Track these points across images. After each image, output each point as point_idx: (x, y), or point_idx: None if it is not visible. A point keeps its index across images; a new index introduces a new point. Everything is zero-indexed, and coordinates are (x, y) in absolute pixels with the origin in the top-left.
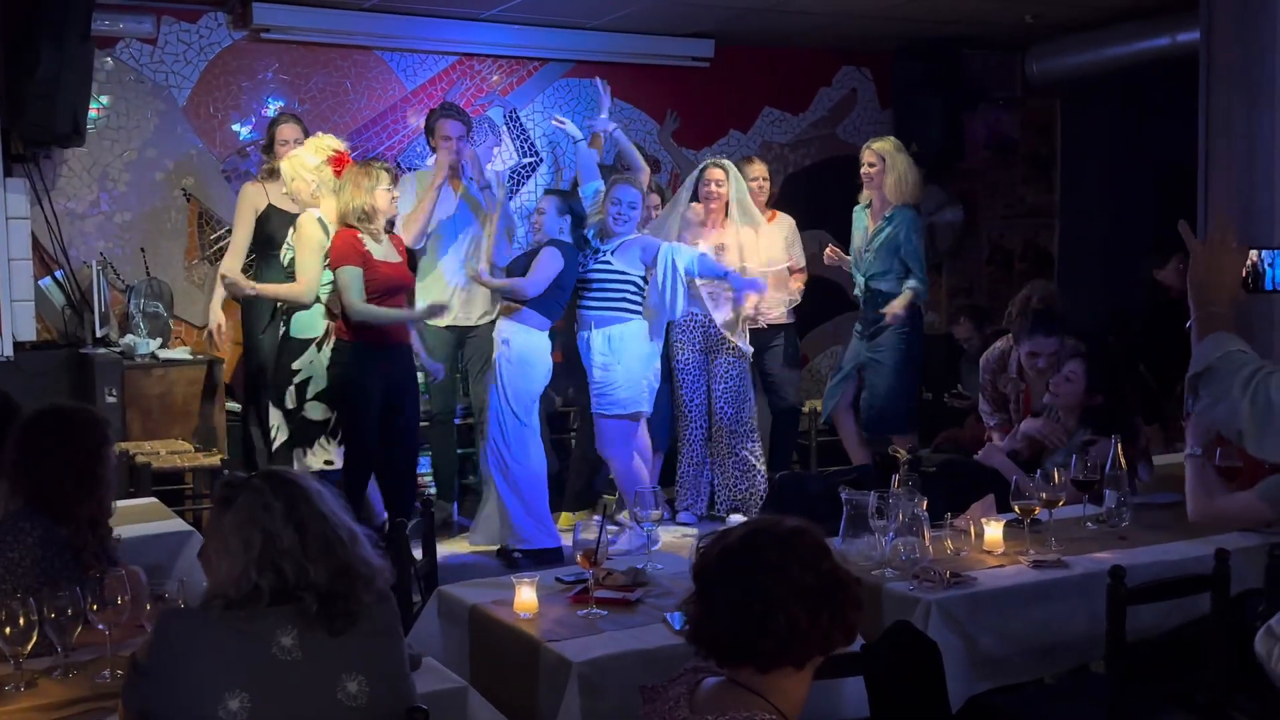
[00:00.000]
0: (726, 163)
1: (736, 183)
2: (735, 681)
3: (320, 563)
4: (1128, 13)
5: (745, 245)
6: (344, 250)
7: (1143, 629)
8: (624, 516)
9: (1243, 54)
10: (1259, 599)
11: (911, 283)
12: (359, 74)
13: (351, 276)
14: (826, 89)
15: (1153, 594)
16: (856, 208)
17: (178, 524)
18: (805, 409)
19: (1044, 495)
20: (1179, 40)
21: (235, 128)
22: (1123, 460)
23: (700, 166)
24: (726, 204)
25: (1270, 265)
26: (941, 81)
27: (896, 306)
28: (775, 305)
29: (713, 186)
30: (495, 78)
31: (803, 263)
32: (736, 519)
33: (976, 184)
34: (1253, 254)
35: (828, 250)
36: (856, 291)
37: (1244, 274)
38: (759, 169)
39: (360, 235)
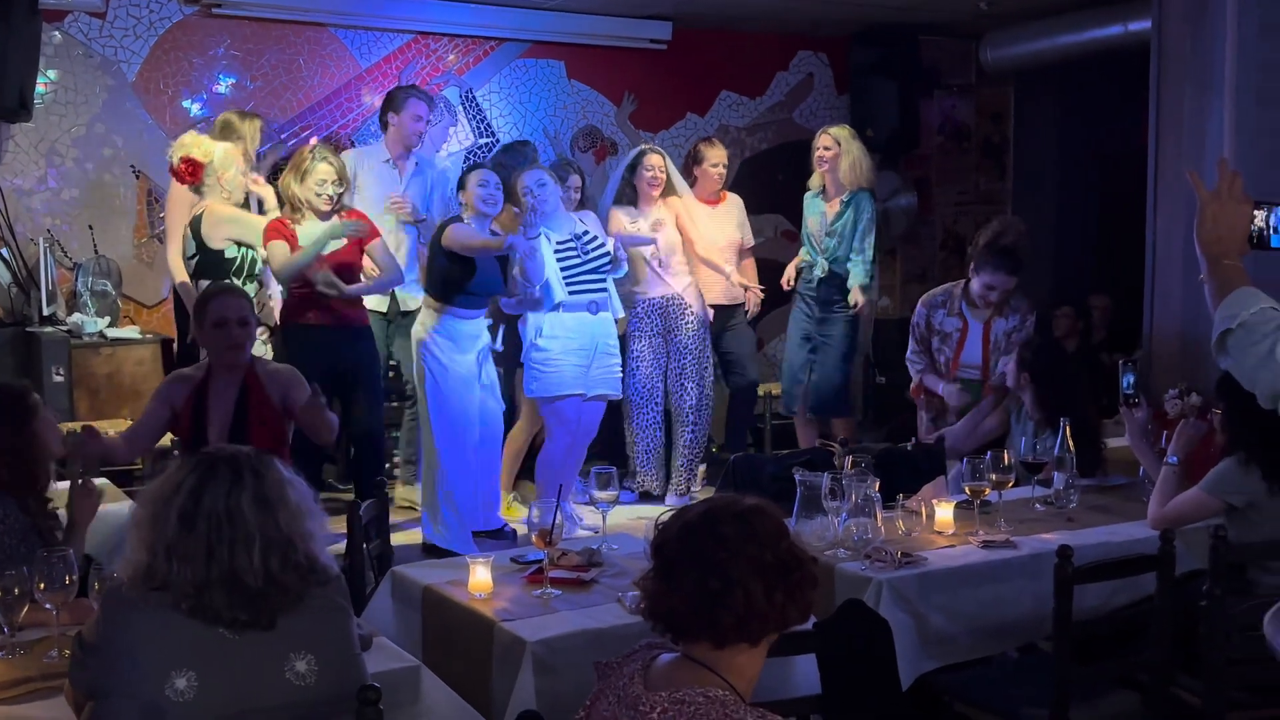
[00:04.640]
0: (659, 149)
1: (670, 164)
2: (690, 657)
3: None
4: (1081, 1)
5: (699, 224)
6: (268, 231)
7: (1089, 609)
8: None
9: (1193, 43)
10: (1203, 579)
11: (860, 270)
12: (312, 51)
13: (277, 249)
14: (784, 73)
15: (1099, 574)
16: (808, 194)
17: (127, 505)
18: (761, 391)
19: (993, 477)
20: (1131, 29)
21: (186, 104)
22: (1071, 443)
23: (636, 152)
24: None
25: (1277, 227)
26: (897, 67)
27: (861, 299)
28: (718, 284)
29: (655, 172)
30: (451, 57)
31: (751, 243)
32: (688, 499)
33: (931, 170)
34: (1258, 212)
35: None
36: (818, 272)
37: (1250, 233)
38: (719, 154)
39: (287, 223)
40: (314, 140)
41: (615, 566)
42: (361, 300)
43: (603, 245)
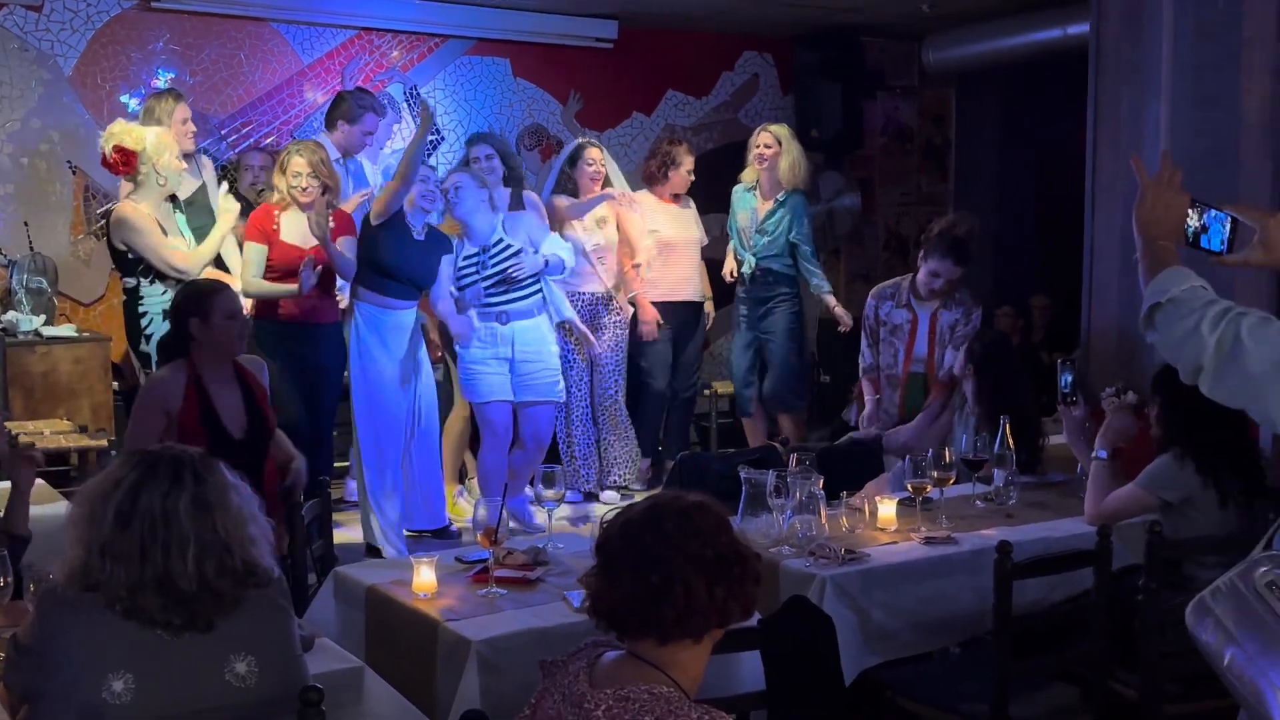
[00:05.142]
0: (597, 142)
1: (609, 160)
2: (635, 655)
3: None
4: (1021, 5)
5: (667, 221)
6: (249, 227)
7: (1028, 603)
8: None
9: (1131, 46)
10: (1139, 574)
11: (820, 278)
12: (253, 46)
13: (251, 253)
14: (729, 73)
15: (1037, 569)
16: (738, 188)
17: (63, 506)
18: (707, 391)
19: (935, 474)
20: (1070, 32)
21: (124, 99)
22: (1010, 440)
23: (575, 145)
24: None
25: (1208, 227)
26: (841, 69)
27: (839, 310)
28: (684, 283)
29: (597, 166)
30: (395, 53)
31: (705, 241)
32: (620, 496)
33: (874, 171)
34: (1192, 211)
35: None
36: (745, 269)
37: (1184, 224)
38: (691, 158)
39: (274, 212)
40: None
41: (561, 565)
42: (334, 297)
43: (511, 252)
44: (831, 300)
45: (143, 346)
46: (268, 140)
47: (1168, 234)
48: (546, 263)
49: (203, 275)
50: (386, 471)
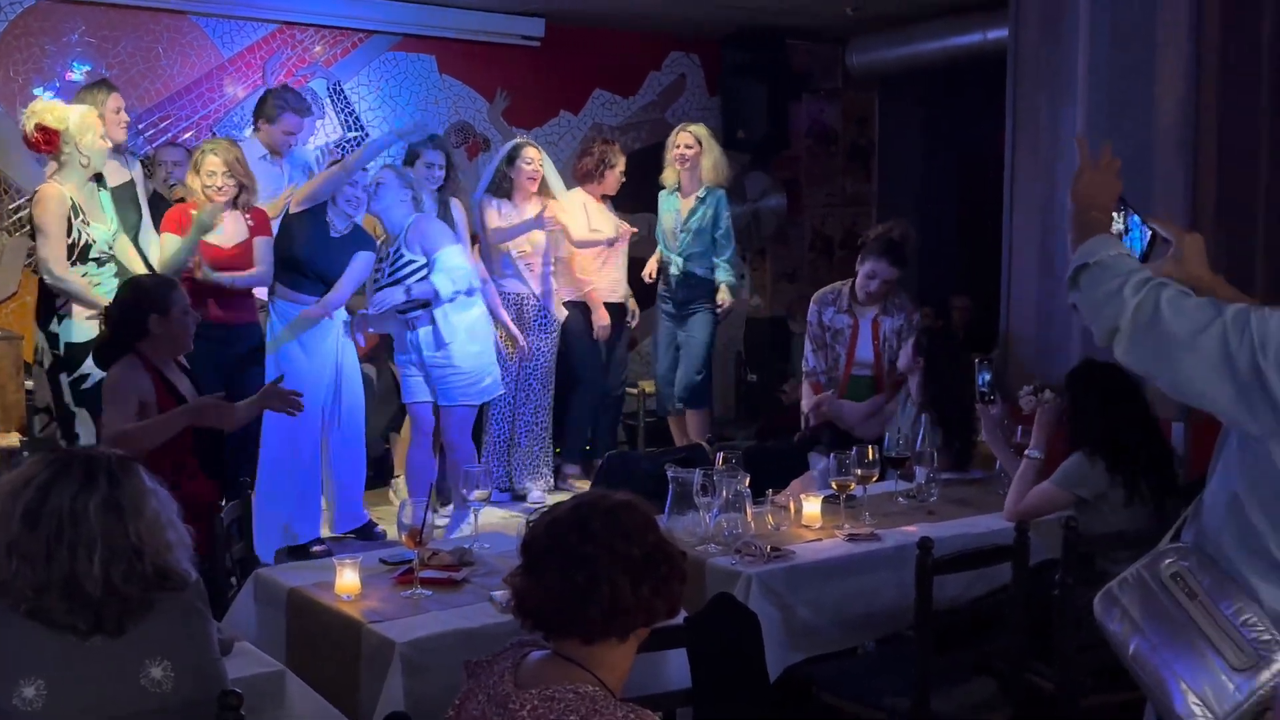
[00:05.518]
0: (534, 142)
1: (546, 160)
2: (560, 654)
3: (85, 559)
4: (943, 9)
5: (604, 222)
6: (166, 221)
7: (949, 598)
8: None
9: (1049, 52)
10: (1055, 569)
11: (726, 270)
12: (172, 39)
13: (168, 242)
14: (656, 73)
15: (957, 564)
16: (663, 191)
17: None
18: (634, 390)
19: (859, 472)
20: (989, 38)
21: (38, 91)
22: (934, 438)
23: (512, 145)
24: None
25: (1130, 230)
26: (767, 70)
27: (729, 298)
28: (618, 285)
29: (535, 165)
30: (318, 48)
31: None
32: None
33: (800, 171)
34: (1116, 215)
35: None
36: (673, 271)
37: (1116, 204)
38: (623, 163)
39: (192, 211)
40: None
41: (487, 565)
42: (252, 299)
43: (410, 266)
44: (726, 291)
45: (53, 326)
46: (186, 135)
47: (1100, 206)
48: (437, 293)
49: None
50: (269, 475)
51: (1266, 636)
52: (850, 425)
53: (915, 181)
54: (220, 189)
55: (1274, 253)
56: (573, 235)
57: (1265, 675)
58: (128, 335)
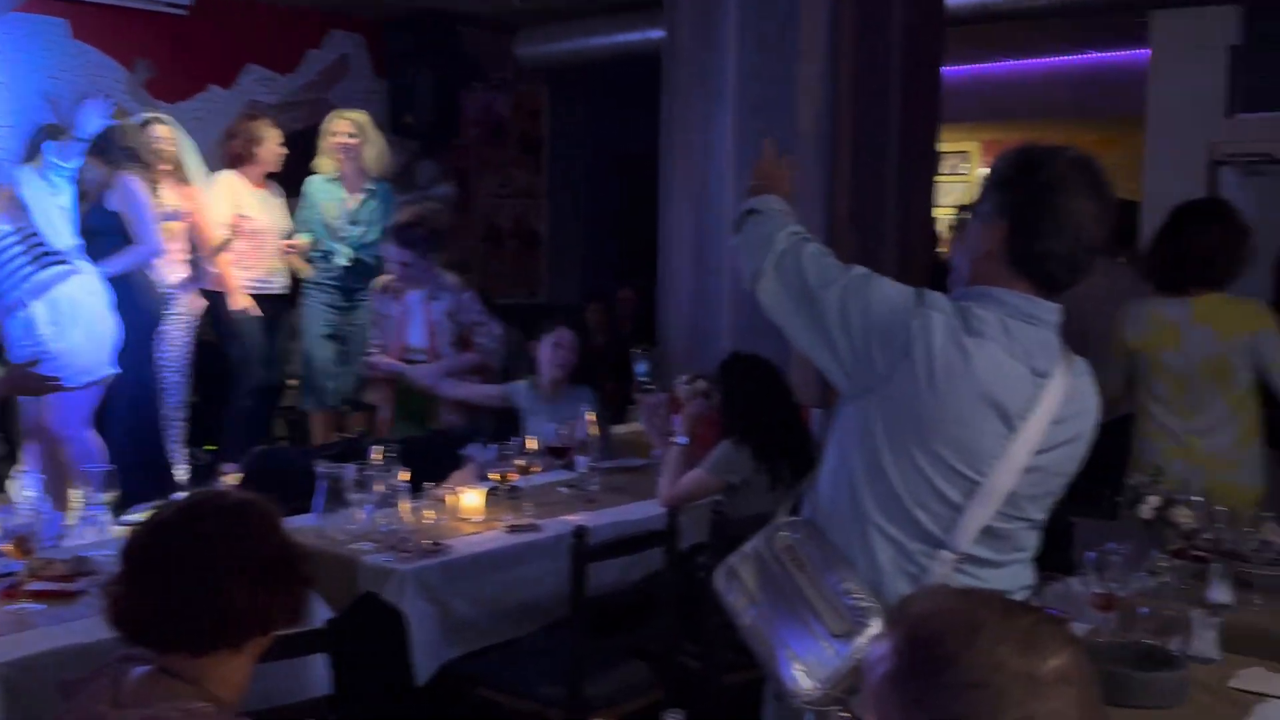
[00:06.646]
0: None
1: (183, 137)
2: (165, 670)
3: None
4: (606, 6)
5: (257, 207)
6: None
7: (610, 585)
8: None
9: (702, 53)
10: (704, 551)
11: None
12: None
13: None
14: (315, 51)
15: (610, 551)
16: (318, 178)
17: None
18: (293, 383)
19: (519, 463)
20: (650, 36)
21: None
22: (594, 429)
23: (140, 120)
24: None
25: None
26: (435, 56)
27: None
28: (280, 274)
29: (165, 144)
30: None
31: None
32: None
33: (470, 161)
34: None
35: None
36: (341, 261)
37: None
38: (278, 133)
39: None
40: None
41: (108, 574)
42: None
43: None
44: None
45: None
46: None
47: (775, 190)
48: None
49: None
50: None
51: (865, 604)
52: (430, 385)
53: (582, 174)
54: None
55: (906, 248)
56: (208, 223)
57: (860, 640)
58: None
